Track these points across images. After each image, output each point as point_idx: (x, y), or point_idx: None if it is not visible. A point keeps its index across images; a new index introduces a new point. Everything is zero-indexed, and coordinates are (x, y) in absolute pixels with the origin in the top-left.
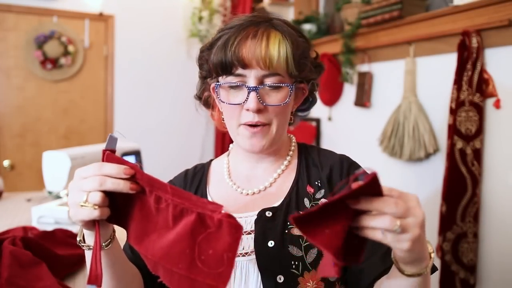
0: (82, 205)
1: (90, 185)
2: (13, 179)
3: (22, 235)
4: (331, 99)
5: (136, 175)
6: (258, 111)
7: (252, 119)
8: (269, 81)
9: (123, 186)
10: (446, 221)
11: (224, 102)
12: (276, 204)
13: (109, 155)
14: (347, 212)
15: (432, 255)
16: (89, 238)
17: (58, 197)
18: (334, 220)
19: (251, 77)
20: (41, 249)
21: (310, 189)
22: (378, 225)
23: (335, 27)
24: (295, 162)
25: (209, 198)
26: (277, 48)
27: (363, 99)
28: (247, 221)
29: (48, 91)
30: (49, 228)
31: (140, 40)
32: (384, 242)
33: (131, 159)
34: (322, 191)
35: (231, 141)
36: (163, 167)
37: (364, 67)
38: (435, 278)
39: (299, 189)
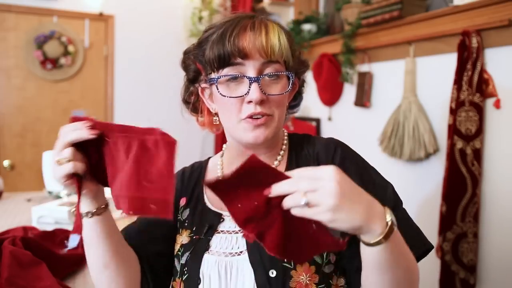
0: (56, 162)
1: (58, 143)
2: (13, 179)
3: (22, 235)
4: (331, 99)
5: (93, 125)
6: (261, 102)
7: (254, 110)
8: (269, 70)
9: (83, 133)
10: (446, 221)
11: (225, 96)
12: None
13: (73, 119)
14: (260, 194)
15: (389, 222)
16: (82, 204)
17: (58, 197)
18: (247, 197)
19: (251, 67)
20: (41, 249)
21: None
22: (289, 204)
23: (335, 27)
24: (287, 155)
25: (206, 198)
26: (277, 37)
27: (363, 99)
28: None
29: (48, 91)
30: (49, 228)
31: (140, 40)
32: (308, 216)
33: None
34: None
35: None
36: None
37: (364, 67)
38: (435, 278)
39: None
